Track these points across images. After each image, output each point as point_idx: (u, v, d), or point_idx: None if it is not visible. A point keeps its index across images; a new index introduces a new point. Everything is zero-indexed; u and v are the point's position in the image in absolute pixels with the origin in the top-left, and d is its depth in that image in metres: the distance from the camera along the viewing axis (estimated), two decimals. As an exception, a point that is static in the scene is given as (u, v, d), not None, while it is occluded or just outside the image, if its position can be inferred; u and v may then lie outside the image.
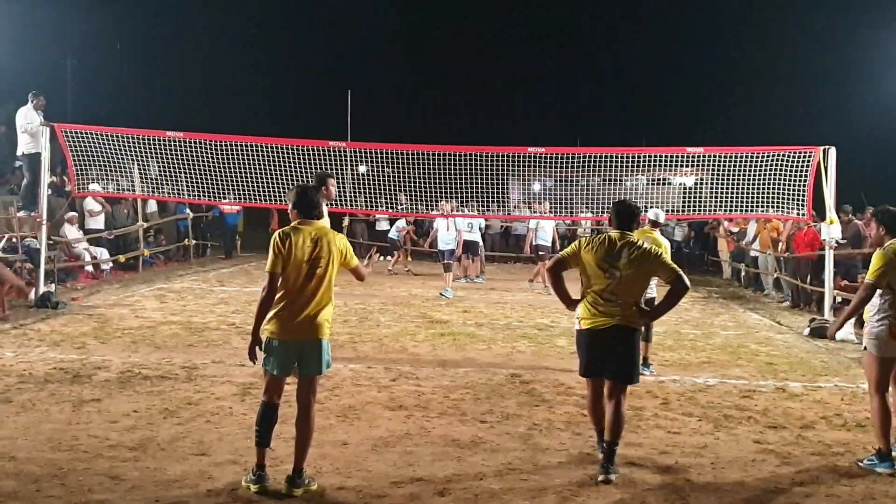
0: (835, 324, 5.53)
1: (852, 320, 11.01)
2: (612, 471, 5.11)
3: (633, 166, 13.91)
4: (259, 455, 4.84)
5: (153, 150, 13.04)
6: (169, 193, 14.36)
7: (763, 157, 12.50)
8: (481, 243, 17.74)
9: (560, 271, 5.51)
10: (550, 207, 15.83)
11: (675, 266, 5.37)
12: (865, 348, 5.66)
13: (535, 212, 16.43)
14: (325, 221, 6.84)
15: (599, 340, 5.29)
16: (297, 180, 12.90)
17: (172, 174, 13.23)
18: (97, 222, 16.34)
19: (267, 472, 4.84)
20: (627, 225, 5.45)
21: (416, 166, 13.13)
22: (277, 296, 4.87)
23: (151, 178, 13.76)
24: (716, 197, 13.04)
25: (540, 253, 15.65)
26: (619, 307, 5.26)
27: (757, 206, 12.93)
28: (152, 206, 19.22)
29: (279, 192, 12.97)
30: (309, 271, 4.83)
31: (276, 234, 4.92)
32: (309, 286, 4.85)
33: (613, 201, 6.01)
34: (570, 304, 5.48)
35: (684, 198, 16.04)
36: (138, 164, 13.54)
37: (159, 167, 13.40)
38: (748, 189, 12.63)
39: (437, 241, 15.60)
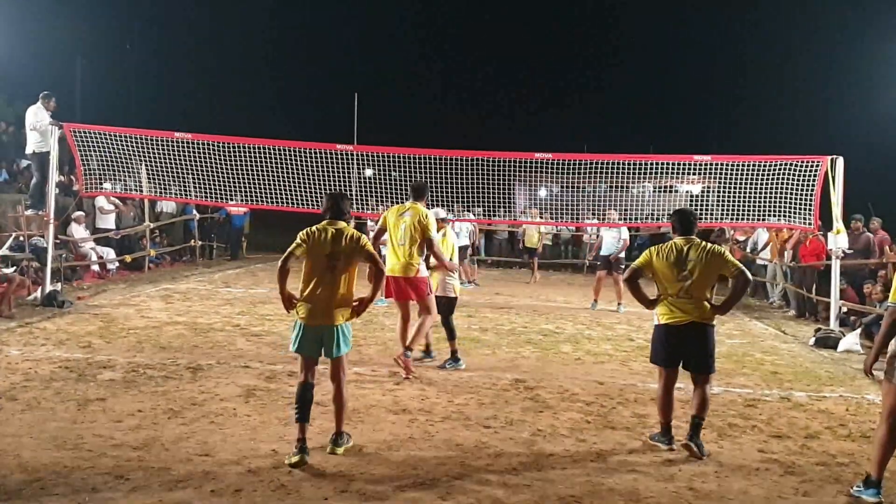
0: (867, 358, 5.34)
1: (858, 330, 11.09)
2: (696, 440, 5.84)
3: (639, 173, 13.89)
4: (300, 430, 5.45)
5: (161, 151, 13.08)
6: (176, 194, 14.41)
7: (770, 166, 12.48)
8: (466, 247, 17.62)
9: (636, 279, 6.14)
10: (619, 216, 14.86)
11: (737, 262, 5.97)
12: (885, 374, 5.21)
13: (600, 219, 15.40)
14: (437, 234, 8.30)
15: (677, 333, 5.95)
16: (304, 183, 12.95)
17: (180, 175, 13.26)
18: (107, 221, 16.40)
19: (307, 446, 5.42)
20: (690, 230, 6.07)
21: (422, 170, 13.13)
22: (304, 284, 5.59)
23: (157, 178, 13.76)
24: (722, 205, 13.03)
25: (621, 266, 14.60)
26: (693, 304, 5.90)
27: (763, 216, 12.92)
28: (169, 206, 19.27)
29: (286, 194, 13.00)
30: (329, 264, 5.53)
31: (306, 229, 5.68)
32: (329, 277, 5.53)
33: (674, 209, 6.55)
34: (650, 304, 6.13)
35: (691, 206, 16.01)
36: (146, 165, 13.58)
37: (152, 170, 13.42)
38: (755, 198, 12.61)
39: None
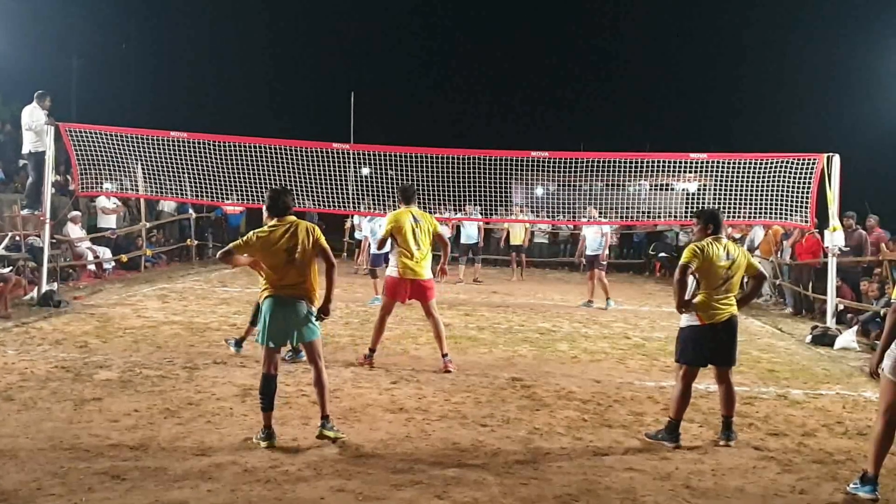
0: (873, 359, 5.35)
1: (854, 328, 11.11)
2: (731, 437, 6.16)
3: (636, 171, 13.89)
4: (266, 418, 5.70)
5: (157, 150, 13.05)
6: (172, 193, 14.38)
7: (766, 163, 12.49)
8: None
9: (686, 278, 6.14)
10: (599, 213, 14.90)
11: (757, 263, 6.48)
12: (882, 370, 5.20)
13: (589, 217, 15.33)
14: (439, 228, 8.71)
15: (717, 332, 6.12)
16: (301, 182, 12.94)
17: (176, 174, 13.24)
18: (109, 221, 16.36)
19: (274, 430, 5.67)
20: (721, 229, 6.30)
21: (419, 169, 13.13)
22: (269, 280, 5.79)
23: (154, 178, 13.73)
24: (719, 203, 13.02)
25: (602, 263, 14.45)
26: (730, 299, 6.16)
27: (760, 213, 12.93)
28: (170, 205, 19.19)
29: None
30: (288, 258, 5.71)
31: (254, 232, 5.85)
32: (291, 270, 5.73)
33: (706, 209, 6.77)
34: (686, 305, 6.16)
35: (687, 204, 16.02)
36: (142, 164, 13.56)
37: (149, 169, 13.44)
38: (751, 196, 12.62)
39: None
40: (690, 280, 6.17)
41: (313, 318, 5.80)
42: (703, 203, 13.95)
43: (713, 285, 6.07)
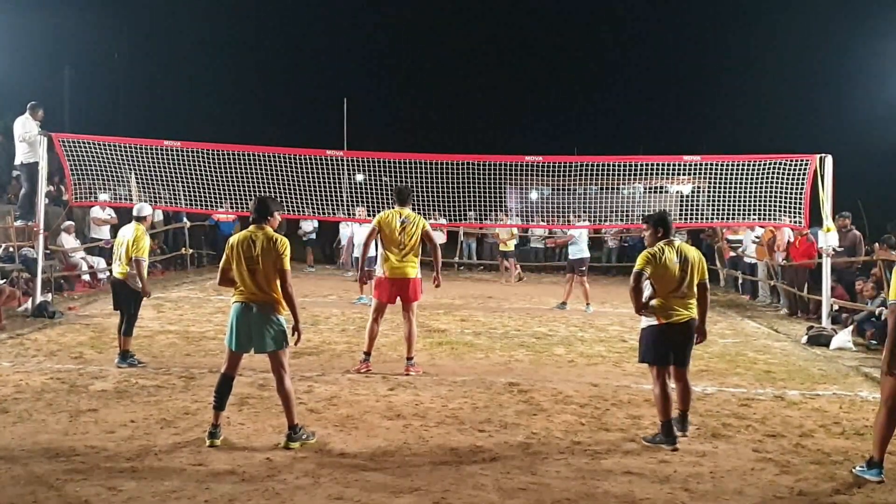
0: (884, 360, 5.44)
1: (850, 328, 11.13)
2: (685, 428, 6.31)
3: (630, 175, 13.93)
4: (215, 416, 5.84)
5: (151, 160, 13.05)
6: (166, 202, 14.36)
7: (760, 165, 12.54)
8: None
9: (641, 284, 6.16)
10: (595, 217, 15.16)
11: (706, 270, 6.46)
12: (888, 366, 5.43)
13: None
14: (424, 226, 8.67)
15: (676, 332, 6.16)
16: (294, 189, 12.93)
17: (170, 183, 13.23)
18: (101, 231, 16.30)
19: (219, 430, 5.81)
20: (670, 232, 6.34)
21: (413, 175, 13.13)
22: (236, 286, 5.91)
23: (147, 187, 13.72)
24: (713, 205, 13.07)
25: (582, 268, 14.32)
26: (688, 302, 6.19)
27: (753, 215, 12.97)
28: (157, 215, 19.10)
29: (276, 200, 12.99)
30: (249, 267, 5.83)
31: (231, 238, 6.05)
32: (252, 279, 5.83)
33: (654, 213, 6.67)
34: (644, 307, 6.20)
35: (681, 206, 16.06)
36: (135, 174, 13.54)
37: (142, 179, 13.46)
38: (745, 197, 12.66)
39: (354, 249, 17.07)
40: (647, 284, 6.20)
41: (277, 329, 5.85)
42: (698, 205, 14.00)
43: (668, 289, 6.11)
